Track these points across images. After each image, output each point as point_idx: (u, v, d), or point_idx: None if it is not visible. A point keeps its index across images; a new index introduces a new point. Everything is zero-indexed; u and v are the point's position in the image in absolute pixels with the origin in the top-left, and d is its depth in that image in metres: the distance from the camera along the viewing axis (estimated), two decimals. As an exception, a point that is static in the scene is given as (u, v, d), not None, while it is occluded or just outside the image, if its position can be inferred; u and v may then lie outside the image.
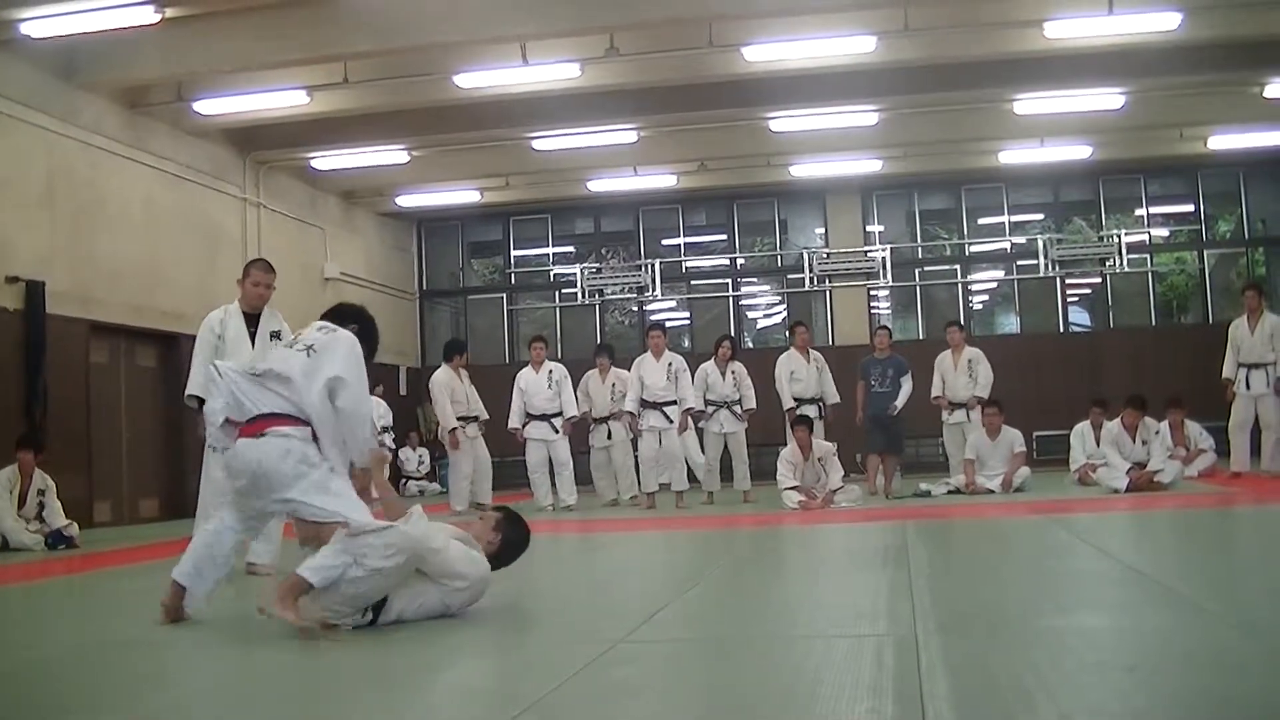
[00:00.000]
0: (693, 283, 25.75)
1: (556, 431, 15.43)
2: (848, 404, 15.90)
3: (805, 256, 24.74)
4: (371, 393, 17.13)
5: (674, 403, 14.86)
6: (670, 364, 14.92)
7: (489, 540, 5.92)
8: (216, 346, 8.66)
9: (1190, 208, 24.31)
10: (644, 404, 14.90)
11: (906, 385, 15.49)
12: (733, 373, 15.59)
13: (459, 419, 15.22)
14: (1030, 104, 18.78)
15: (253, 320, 8.80)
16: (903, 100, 18.71)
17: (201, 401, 8.59)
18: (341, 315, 6.31)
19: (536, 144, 20.12)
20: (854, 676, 4.08)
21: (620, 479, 16.04)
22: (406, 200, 23.74)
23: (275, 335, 8.81)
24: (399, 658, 4.95)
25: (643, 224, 25.58)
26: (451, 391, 15.32)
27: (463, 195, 23.65)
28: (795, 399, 15.62)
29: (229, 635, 5.77)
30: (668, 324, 20.34)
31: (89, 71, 15.51)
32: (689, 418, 15.10)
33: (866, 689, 3.88)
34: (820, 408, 15.64)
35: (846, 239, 24.65)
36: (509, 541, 6.04)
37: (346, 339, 5.98)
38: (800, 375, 15.77)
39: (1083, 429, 16.20)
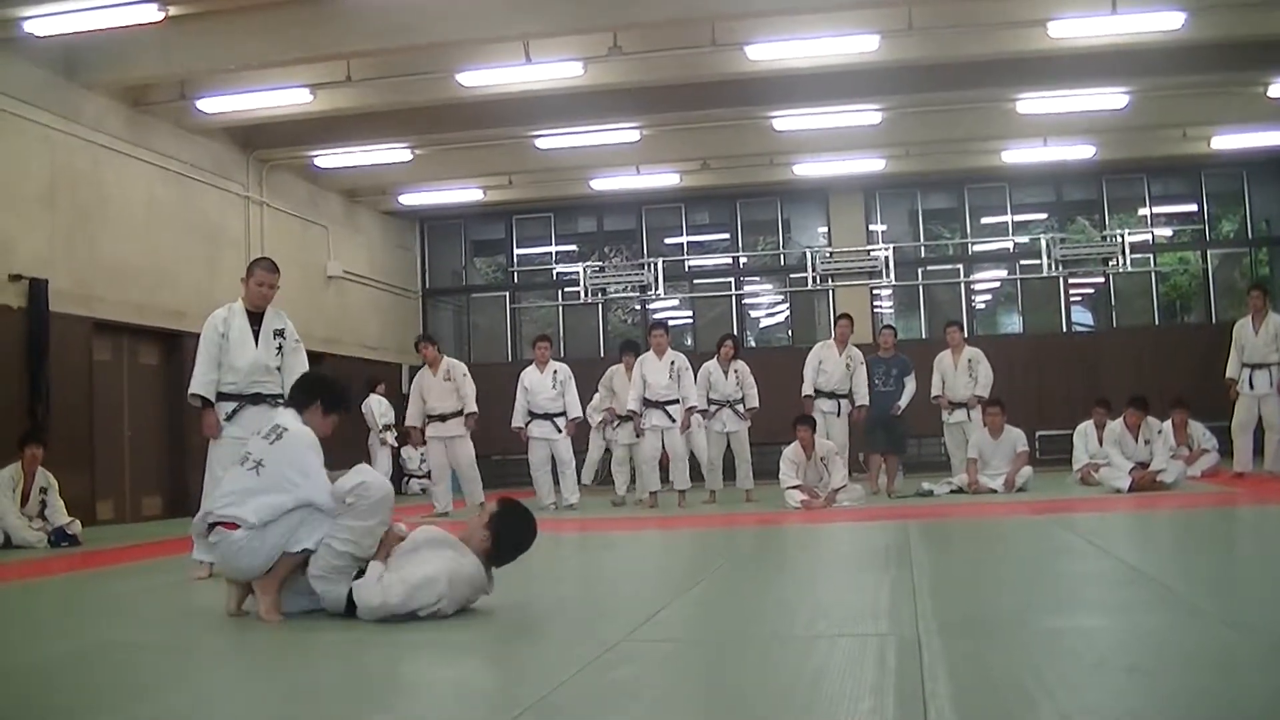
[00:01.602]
0: (695, 282, 25.74)
1: (559, 431, 15.42)
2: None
3: (808, 255, 24.73)
4: (373, 391, 17.15)
5: (676, 401, 14.87)
6: (673, 363, 14.91)
7: (480, 538, 5.84)
8: (220, 345, 8.65)
9: (1193, 207, 24.30)
10: (646, 403, 14.91)
11: (910, 385, 15.51)
12: (735, 371, 15.61)
13: (428, 416, 15.27)
14: (1033, 103, 18.77)
15: (256, 319, 8.79)
16: (906, 99, 18.70)
17: (204, 400, 8.61)
18: (302, 393, 6.43)
19: (539, 142, 20.12)
20: (856, 676, 4.08)
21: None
22: (409, 198, 23.75)
23: (279, 334, 8.81)
24: (398, 658, 4.95)
25: (645, 223, 25.57)
26: (422, 389, 15.38)
27: (465, 194, 23.64)
28: (817, 390, 15.52)
29: (229, 637, 5.77)
30: (670, 323, 20.33)
31: (91, 70, 15.52)
32: (692, 416, 15.10)
33: (868, 689, 3.88)
34: (839, 405, 15.51)
35: (849, 238, 24.64)
36: (504, 539, 5.90)
37: (291, 444, 6.02)
38: (828, 368, 15.61)
39: (1086, 428, 16.21)
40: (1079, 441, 16.30)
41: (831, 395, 15.53)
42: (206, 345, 8.66)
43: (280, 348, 8.80)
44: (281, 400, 8.50)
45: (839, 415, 15.41)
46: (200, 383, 8.60)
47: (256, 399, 8.61)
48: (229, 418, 8.58)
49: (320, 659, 5.01)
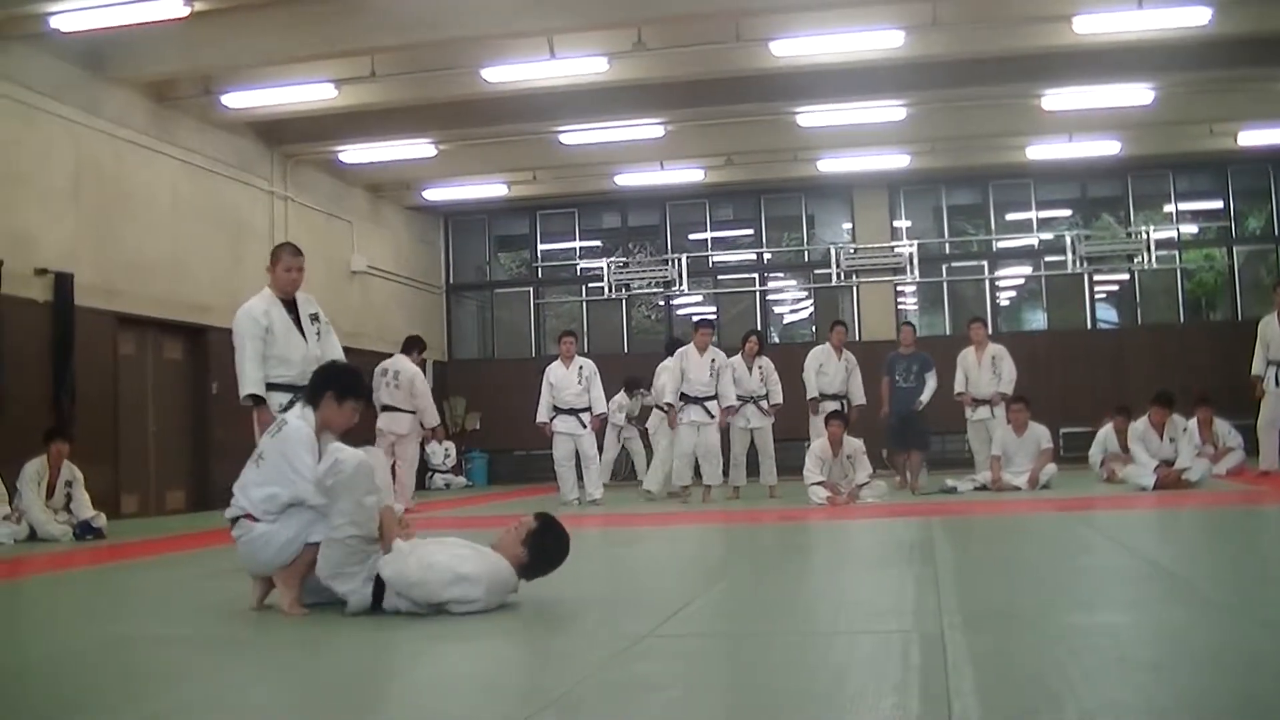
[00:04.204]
0: (719, 277, 25.73)
1: (584, 426, 15.44)
2: (873, 402, 15.94)
3: (832, 252, 24.67)
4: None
5: (714, 397, 14.93)
6: (713, 360, 15.01)
7: (516, 553, 5.78)
8: (265, 339, 8.57)
9: (1219, 204, 24.18)
10: (685, 398, 14.96)
11: (931, 381, 15.52)
12: (759, 368, 15.68)
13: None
14: (1059, 99, 18.67)
15: (292, 307, 8.76)
16: (930, 95, 18.64)
17: (257, 398, 8.52)
18: (313, 387, 6.40)
19: (564, 138, 20.09)
20: (879, 672, 4.08)
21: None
22: (433, 194, 23.77)
23: (314, 319, 8.79)
24: (422, 652, 4.96)
25: (669, 218, 25.55)
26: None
27: (490, 189, 23.67)
28: (820, 393, 15.71)
29: (253, 630, 5.78)
30: (692, 319, 20.32)
31: (116, 65, 15.58)
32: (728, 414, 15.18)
33: (892, 685, 3.87)
34: (844, 405, 15.64)
35: (874, 234, 24.57)
36: (541, 556, 5.86)
37: (285, 439, 6.03)
38: (829, 371, 15.84)
39: (1106, 437, 16.13)
40: (1096, 449, 16.25)
41: (834, 397, 15.69)
42: (251, 341, 8.49)
43: (319, 333, 8.78)
44: None
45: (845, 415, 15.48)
46: (252, 380, 8.39)
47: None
48: (284, 409, 8.52)
49: (343, 652, 5.02)
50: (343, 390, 6.23)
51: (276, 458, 5.94)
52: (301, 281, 8.83)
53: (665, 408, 15.36)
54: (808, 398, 15.90)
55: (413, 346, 15.71)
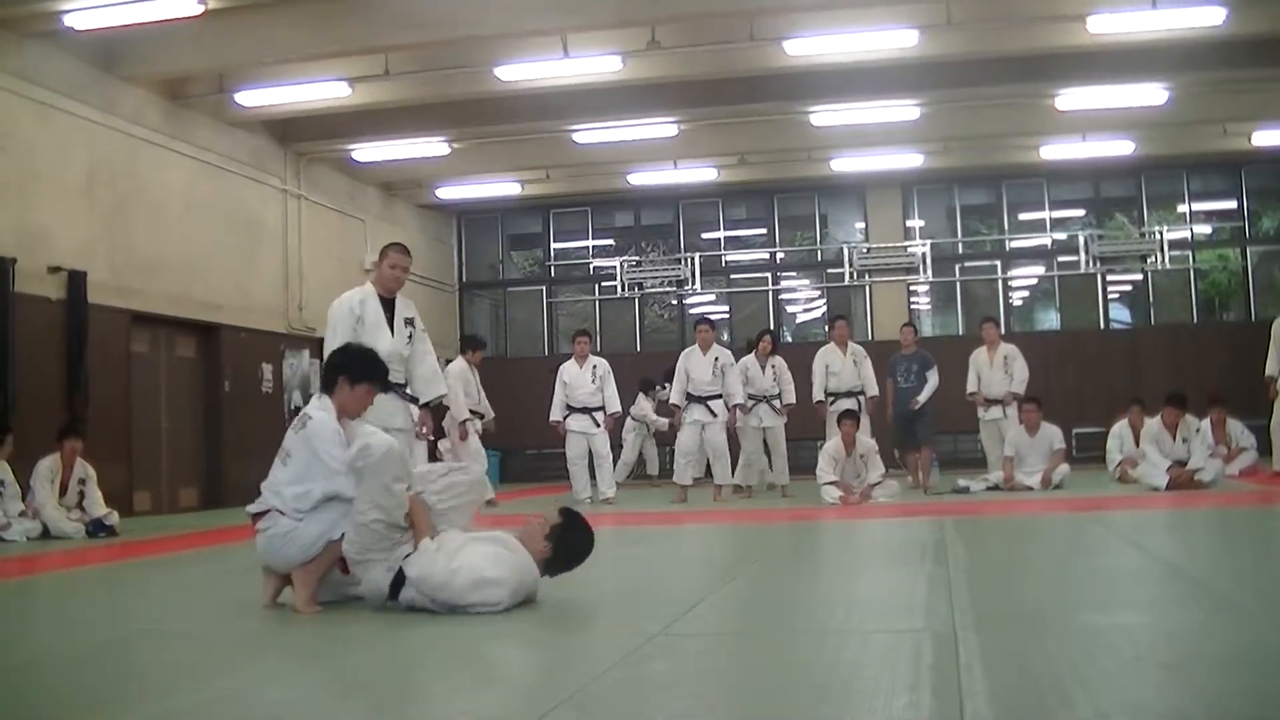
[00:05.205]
0: (732, 276, 25.72)
1: (598, 425, 15.46)
2: (880, 404, 15.95)
3: (845, 251, 24.64)
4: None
5: (718, 396, 14.92)
6: (716, 359, 14.99)
7: (540, 547, 5.75)
8: (355, 329, 8.57)
9: (1233, 204, 24.11)
10: (689, 397, 14.96)
11: (932, 380, 15.51)
12: (773, 367, 15.66)
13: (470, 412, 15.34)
14: (1072, 99, 18.63)
15: (388, 306, 8.77)
16: (944, 95, 18.60)
17: None
18: (325, 373, 6.42)
19: (577, 137, 20.09)
20: (891, 671, 4.07)
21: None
22: (446, 192, 23.78)
23: (409, 322, 8.81)
24: (436, 649, 4.96)
25: (682, 217, 25.55)
26: (465, 384, 15.39)
27: (503, 187, 23.69)
28: (831, 393, 15.70)
29: (268, 627, 5.79)
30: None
31: (130, 63, 15.59)
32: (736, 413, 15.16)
33: (904, 684, 3.86)
34: (858, 402, 15.63)
35: (887, 234, 24.54)
36: (564, 552, 5.84)
37: (311, 434, 6.01)
38: (836, 369, 15.83)
39: (1121, 430, 16.12)
40: (1114, 444, 16.23)
41: (849, 394, 15.65)
42: (341, 329, 8.51)
43: (410, 337, 8.80)
44: (405, 390, 8.54)
45: (861, 410, 15.48)
46: None
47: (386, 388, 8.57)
48: None
49: (358, 649, 5.02)
50: (355, 374, 6.22)
51: (305, 454, 5.93)
52: (404, 281, 8.88)
53: (672, 408, 15.38)
54: (815, 400, 15.89)
55: (465, 346, 16.20)
